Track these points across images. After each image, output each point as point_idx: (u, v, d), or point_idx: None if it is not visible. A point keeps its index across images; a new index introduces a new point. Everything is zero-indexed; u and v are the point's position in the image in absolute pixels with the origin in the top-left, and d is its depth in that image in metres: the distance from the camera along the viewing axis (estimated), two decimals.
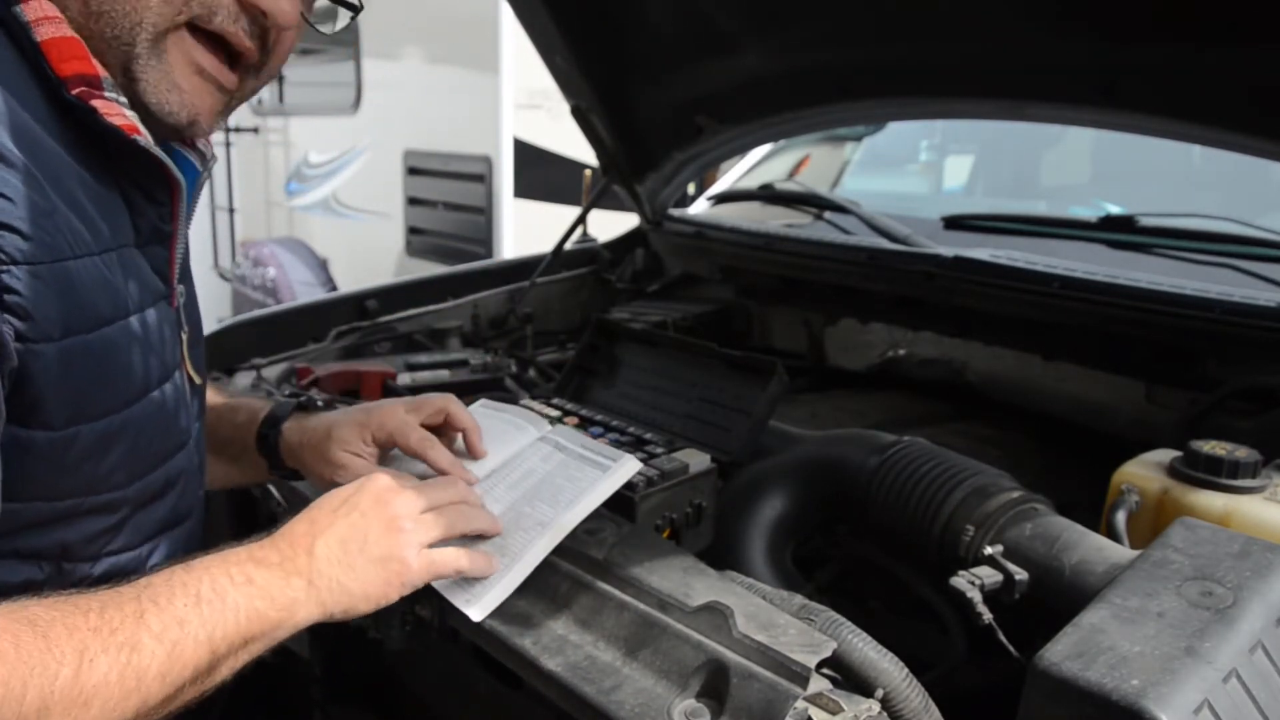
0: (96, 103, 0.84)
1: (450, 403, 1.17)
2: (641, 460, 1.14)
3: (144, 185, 0.93)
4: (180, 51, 0.89)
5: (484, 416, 1.24)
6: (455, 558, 0.96)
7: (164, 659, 0.77)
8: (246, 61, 0.94)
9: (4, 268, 0.75)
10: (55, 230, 0.80)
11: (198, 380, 1.08)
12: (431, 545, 0.95)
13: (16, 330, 0.77)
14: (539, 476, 1.09)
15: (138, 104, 0.89)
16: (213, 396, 1.29)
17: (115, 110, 0.86)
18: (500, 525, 1.02)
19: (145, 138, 0.88)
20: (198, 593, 0.82)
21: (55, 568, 0.89)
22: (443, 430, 1.17)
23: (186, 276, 1.06)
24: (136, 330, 0.91)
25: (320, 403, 1.24)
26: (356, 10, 1.08)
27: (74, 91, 0.84)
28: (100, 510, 0.91)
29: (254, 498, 1.40)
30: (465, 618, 0.96)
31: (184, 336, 1.04)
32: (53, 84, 0.84)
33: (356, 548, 0.92)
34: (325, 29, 1.05)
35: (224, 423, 1.25)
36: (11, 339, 0.76)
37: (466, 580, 0.98)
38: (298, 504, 1.28)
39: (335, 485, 1.12)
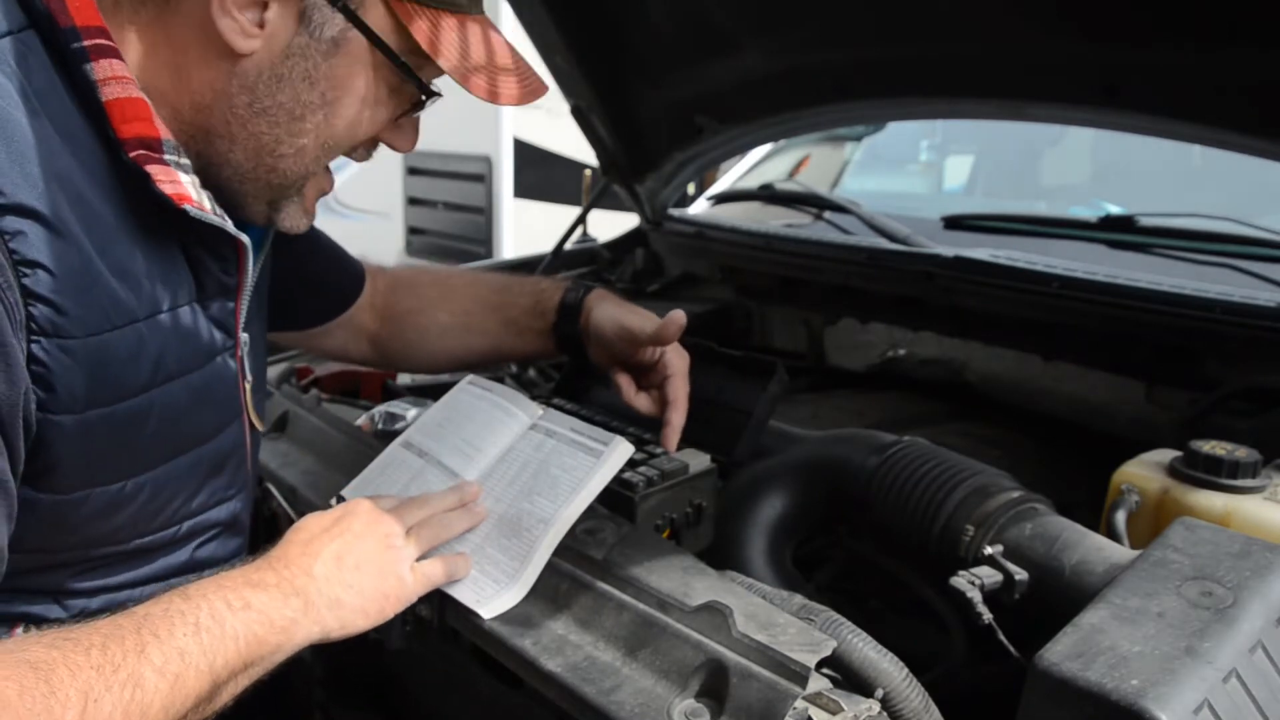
0: (152, 168, 0.83)
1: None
2: (641, 460, 1.15)
3: (206, 242, 0.92)
4: (313, 184, 0.99)
5: (473, 398, 1.24)
6: (443, 568, 1.01)
7: (167, 692, 0.76)
8: None
9: (34, 339, 0.76)
10: (93, 304, 0.80)
11: (260, 427, 1.10)
12: (420, 559, 1.00)
13: (38, 399, 0.78)
14: (534, 468, 1.10)
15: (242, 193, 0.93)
16: (492, 277, 1.46)
17: (170, 177, 0.84)
18: (484, 513, 1.08)
19: (197, 206, 0.86)
20: (196, 621, 0.81)
21: (53, 600, 0.91)
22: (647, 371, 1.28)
23: (254, 323, 1.06)
24: (179, 393, 0.91)
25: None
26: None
27: (131, 155, 0.82)
28: (104, 559, 0.92)
29: (254, 499, 1.40)
30: (469, 616, 0.97)
31: (247, 385, 1.04)
32: (114, 145, 0.83)
33: (353, 565, 0.94)
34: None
35: (520, 294, 1.38)
36: (34, 409, 0.77)
37: (473, 580, 1.00)
38: (299, 506, 1.29)
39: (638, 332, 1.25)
